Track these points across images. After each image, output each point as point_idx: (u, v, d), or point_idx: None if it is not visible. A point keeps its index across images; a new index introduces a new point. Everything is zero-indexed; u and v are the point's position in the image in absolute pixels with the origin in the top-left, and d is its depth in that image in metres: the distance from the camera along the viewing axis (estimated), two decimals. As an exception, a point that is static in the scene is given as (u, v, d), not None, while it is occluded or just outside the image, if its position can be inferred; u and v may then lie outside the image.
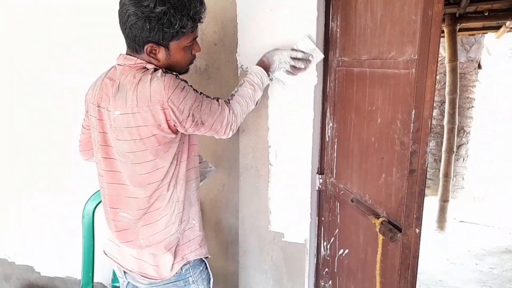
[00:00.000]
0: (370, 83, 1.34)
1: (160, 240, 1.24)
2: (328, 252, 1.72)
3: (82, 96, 1.34)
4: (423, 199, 1.13)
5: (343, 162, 1.58)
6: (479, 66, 5.48)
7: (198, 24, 1.15)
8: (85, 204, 1.87)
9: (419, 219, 1.13)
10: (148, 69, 1.14)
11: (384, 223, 1.23)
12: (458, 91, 4.07)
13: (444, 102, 4.38)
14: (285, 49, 1.43)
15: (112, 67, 1.24)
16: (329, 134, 1.66)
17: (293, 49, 1.44)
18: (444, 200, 4.13)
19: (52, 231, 2.27)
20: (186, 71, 1.27)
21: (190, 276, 1.31)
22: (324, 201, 1.72)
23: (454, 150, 4.17)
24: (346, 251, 1.57)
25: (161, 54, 1.14)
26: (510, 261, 3.36)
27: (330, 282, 1.72)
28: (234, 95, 1.33)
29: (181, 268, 1.29)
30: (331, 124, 1.64)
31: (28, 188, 2.25)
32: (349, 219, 1.55)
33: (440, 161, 4.35)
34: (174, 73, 1.14)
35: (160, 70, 1.13)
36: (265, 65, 1.42)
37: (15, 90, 2.12)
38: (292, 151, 1.63)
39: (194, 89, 1.17)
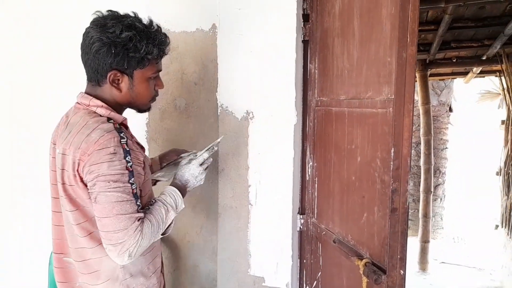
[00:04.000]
0: (349, 122, 1.35)
1: None
2: (311, 297, 1.65)
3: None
4: (406, 239, 1.11)
5: (324, 202, 1.55)
6: (450, 109, 5.73)
7: (163, 55, 1.13)
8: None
9: (403, 260, 1.11)
10: (100, 115, 1.07)
11: (368, 265, 1.19)
12: (432, 132, 4.20)
13: (420, 143, 4.51)
14: (189, 161, 1.29)
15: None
16: (309, 173, 1.65)
17: (196, 156, 1.33)
18: (425, 241, 4.13)
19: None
20: (148, 108, 1.21)
21: None
22: (305, 242, 1.68)
23: (432, 190, 4.24)
24: (330, 296, 1.51)
25: (125, 83, 1.09)
26: (492, 303, 3.32)
27: (313, 330, 1.63)
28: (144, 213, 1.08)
29: None
30: (311, 163, 1.63)
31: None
32: (331, 261, 1.50)
33: (418, 201, 4.40)
34: (122, 135, 1.04)
35: (111, 124, 1.04)
36: (180, 187, 1.25)
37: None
38: (272, 191, 1.61)
39: (130, 170, 1.03)
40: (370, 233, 1.24)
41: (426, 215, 4.15)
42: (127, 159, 1.03)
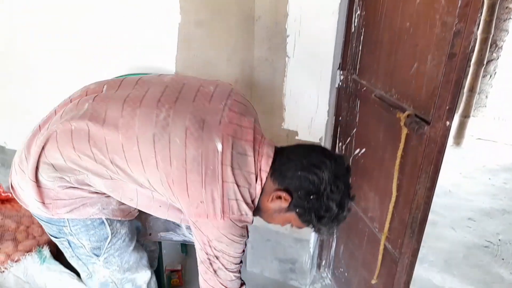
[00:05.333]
0: (412, -47, 1.12)
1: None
2: (343, 152, 1.66)
3: None
4: (459, 89, 1.01)
5: (369, 56, 1.43)
6: (527, -29, 4.85)
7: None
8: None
9: (451, 110, 1.02)
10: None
11: (410, 116, 1.12)
12: (499, -5, 3.64)
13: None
14: None
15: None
16: (355, 24, 1.48)
17: None
18: (465, 116, 3.98)
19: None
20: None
21: (65, 226, 1.07)
22: (343, 99, 1.61)
23: (484, 63, 3.89)
24: (363, 150, 1.50)
25: (278, 203, 1.00)
26: (524, 177, 3.32)
27: (342, 182, 1.69)
28: None
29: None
30: (358, 12, 1.45)
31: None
32: (369, 117, 1.45)
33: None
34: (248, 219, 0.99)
35: (251, 212, 0.98)
36: None
37: None
38: (312, 43, 1.48)
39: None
40: (418, 84, 1.13)
41: (472, 89, 3.90)
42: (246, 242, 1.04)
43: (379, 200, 1.40)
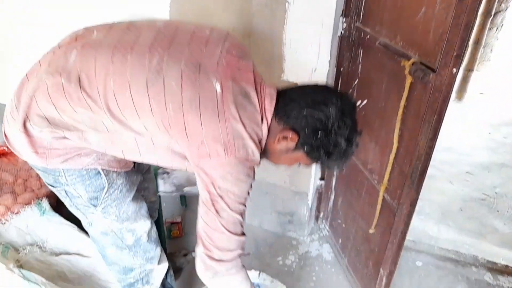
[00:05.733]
0: None
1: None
2: (344, 104, 1.62)
3: None
4: (469, 34, 0.95)
5: (374, 1, 1.34)
6: None
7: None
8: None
9: (459, 57, 0.97)
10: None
11: (416, 64, 1.08)
12: None
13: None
14: None
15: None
16: (360, -34, 1.38)
17: None
18: (469, 69, 3.89)
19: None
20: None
21: (60, 176, 1.05)
22: (345, 49, 1.54)
23: (492, 13, 3.74)
24: (365, 101, 1.46)
25: (285, 144, 0.98)
26: (524, 131, 3.30)
27: (342, 135, 1.67)
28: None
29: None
30: (364, -48, 1.35)
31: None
32: (372, 67, 1.40)
33: (473, 26, 3.94)
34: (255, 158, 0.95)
35: (258, 151, 0.95)
36: None
37: None
38: (314, -13, 1.39)
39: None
40: (425, 30, 1.07)
41: (477, 42, 3.79)
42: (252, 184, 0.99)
43: (380, 152, 1.39)
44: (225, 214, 0.95)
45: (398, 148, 1.23)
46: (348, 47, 1.53)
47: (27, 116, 0.94)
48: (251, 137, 0.92)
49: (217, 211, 0.94)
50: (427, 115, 1.08)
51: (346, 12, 1.49)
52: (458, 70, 0.99)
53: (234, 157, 0.90)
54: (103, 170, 1.06)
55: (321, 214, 2.07)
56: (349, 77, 1.56)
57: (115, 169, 1.09)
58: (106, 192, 1.09)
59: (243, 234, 1.02)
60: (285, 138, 0.97)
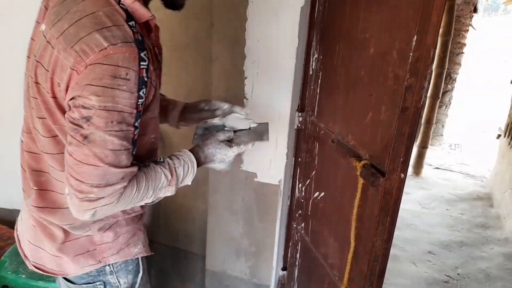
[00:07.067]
0: (366, 5, 1.14)
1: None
2: (303, 194, 1.63)
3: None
4: (412, 142, 1.00)
5: (327, 99, 1.42)
6: (475, 10, 5.20)
7: None
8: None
9: (405, 163, 1.01)
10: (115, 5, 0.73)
11: (366, 166, 1.11)
12: (452, 33, 3.86)
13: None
14: (228, 140, 1.04)
15: None
16: (313, 67, 1.48)
17: (236, 135, 1.11)
18: (423, 147, 4.12)
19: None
20: (181, 5, 0.91)
21: (108, 265, 0.98)
22: (302, 141, 1.59)
23: (440, 96, 4.07)
24: (322, 194, 1.47)
25: None
26: (479, 207, 3.43)
27: (302, 224, 1.65)
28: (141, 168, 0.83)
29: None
30: (316, 55, 1.45)
31: None
32: (327, 161, 1.43)
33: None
34: (144, 55, 0.72)
35: (131, 32, 0.71)
36: (200, 161, 0.98)
37: None
38: (271, 84, 1.46)
39: (139, 110, 0.75)
40: (373, 134, 1.13)
41: (429, 121, 4.06)
42: (141, 93, 0.73)
43: (339, 248, 1.37)
44: (97, 138, 0.71)
45: (355, 247, 1.22)
46: (304, 139, 1.58)
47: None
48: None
49: (84, 137, 0.71)
50: (381, 217, 1.08)
51: (301, 107, 1.55)
52: (405, 175, 1.03)
53: (84, 66, 0.69)
54: None
55: (285, 305, 1.97)
56: (307, 168, 1.58)
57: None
58: (141, 278, 1.04)
59: (129, 165, 0.77)
60: None
